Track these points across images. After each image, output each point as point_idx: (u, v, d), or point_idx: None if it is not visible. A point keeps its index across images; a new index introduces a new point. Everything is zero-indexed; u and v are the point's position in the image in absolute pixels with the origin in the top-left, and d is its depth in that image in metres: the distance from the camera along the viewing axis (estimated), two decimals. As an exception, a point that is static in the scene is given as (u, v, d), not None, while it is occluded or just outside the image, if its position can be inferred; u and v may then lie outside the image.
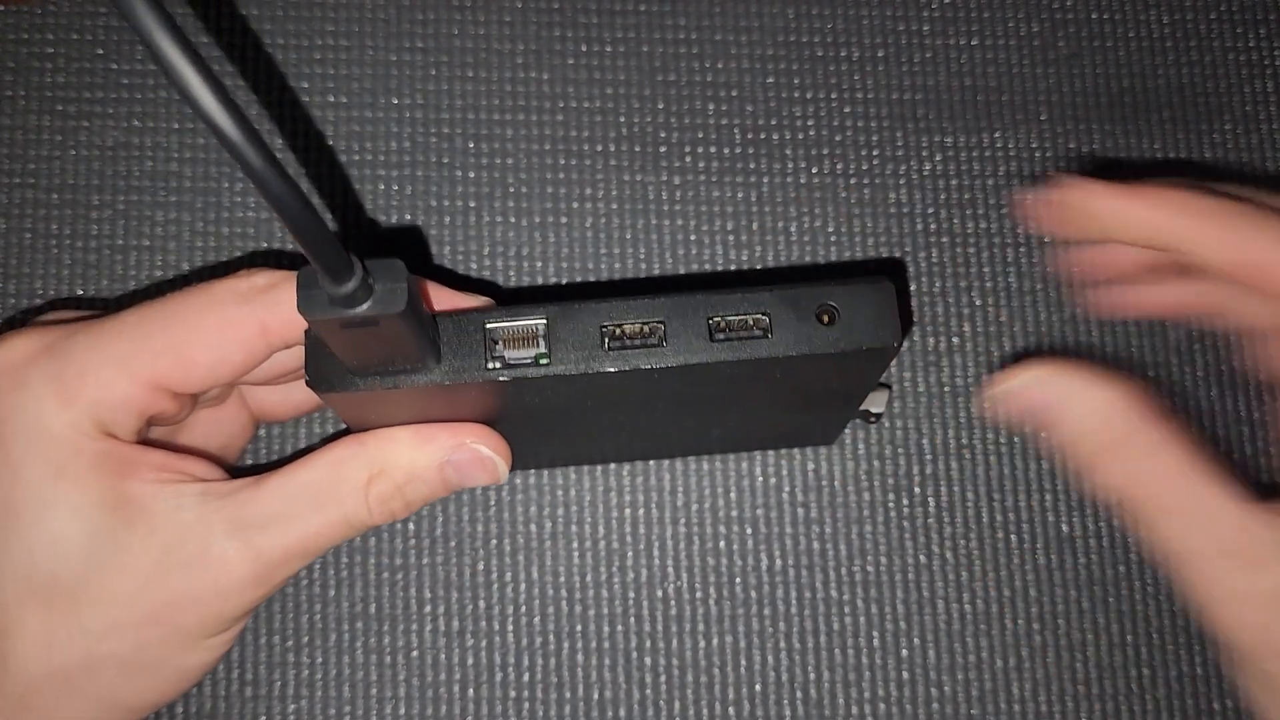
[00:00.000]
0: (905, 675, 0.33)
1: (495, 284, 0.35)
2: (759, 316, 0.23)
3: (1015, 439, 0.34)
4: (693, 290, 0.23)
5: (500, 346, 0.23)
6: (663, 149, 0.36)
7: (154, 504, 0.24)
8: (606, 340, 0.23)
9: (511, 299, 0.35)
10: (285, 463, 0.25)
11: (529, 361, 0.23)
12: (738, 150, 0.36)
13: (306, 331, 0.23)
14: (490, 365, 0.23)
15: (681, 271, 0.35)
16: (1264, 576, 0.22)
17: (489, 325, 0.23)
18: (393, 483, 0.25)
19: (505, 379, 0.23)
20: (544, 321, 0.23)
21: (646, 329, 0.23)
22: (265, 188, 0.17)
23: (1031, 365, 0.24)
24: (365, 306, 0.20)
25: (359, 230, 0.35)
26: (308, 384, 0.23)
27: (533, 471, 0.34)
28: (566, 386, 0.24)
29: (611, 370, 0.23)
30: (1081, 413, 0.24)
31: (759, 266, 0.35)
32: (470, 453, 0.26)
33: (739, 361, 0.23)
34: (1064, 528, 0.34)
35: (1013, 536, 0.34)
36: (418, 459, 0.25)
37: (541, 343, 0.23)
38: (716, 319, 0.23)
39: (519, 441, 0.30)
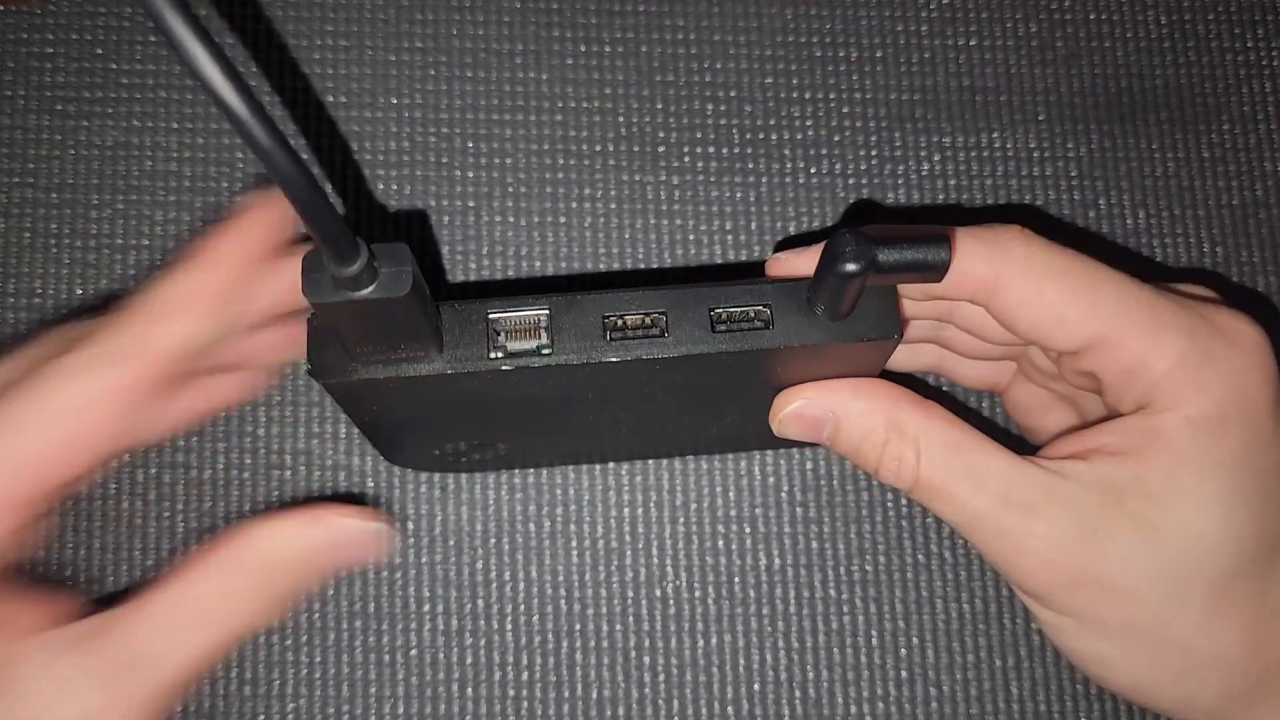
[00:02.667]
0: (904, 674, 0.33)
1: (494, 283, 0.35)
2: (760, 308, 0.23)
3: (1015, 437, 0.34)
4: (695, 282, 0.23)
5: (503, 336, 0.23)
6: (661, 149, 0.36)
7: (19, 667, 0.22)
8: (608, 331, 0.23)
9: (512, 289, 0.35)
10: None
11: (531, 351, 0.23)
12: (736, 150, 0.36)
13: (309, 320, 0.23)
14: (493, 354, 0.23)
15: (680, 271, 0.35)
16: (1041, 518, 0.24)
17: (491, 315, 0.23)
18: (275, 579, 0.23)
19: (508, 368, 0.23)
20: (546, 311, 0.23)
21: (648, 320, 0.23)
22: (273, 165, 0.17)
23: (800, 389, 0.26)
24: (370, 290, 0.20)
25: (359, 231, 0.35)
26: (309, 374, 0.23)
27: (531, 470, 0.34)
28: (568, 377, 0.24)
29: (613, 360, 0.23)
30: (849, 423, 0.26)
31: (758, 267, 0.35)
32: (349, 532, 0.24)
33: (740, 353, 0.23)
34: (1062, 527, 0.34)
35: (1011, 536, 0.34)
36: (299, 543, 0.24)
37: (544, 333, 0.23)
38: (718, 310, 0.23)
39: (519, 437, 0.30)
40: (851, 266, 0.21)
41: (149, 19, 0.15)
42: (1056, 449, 0.26)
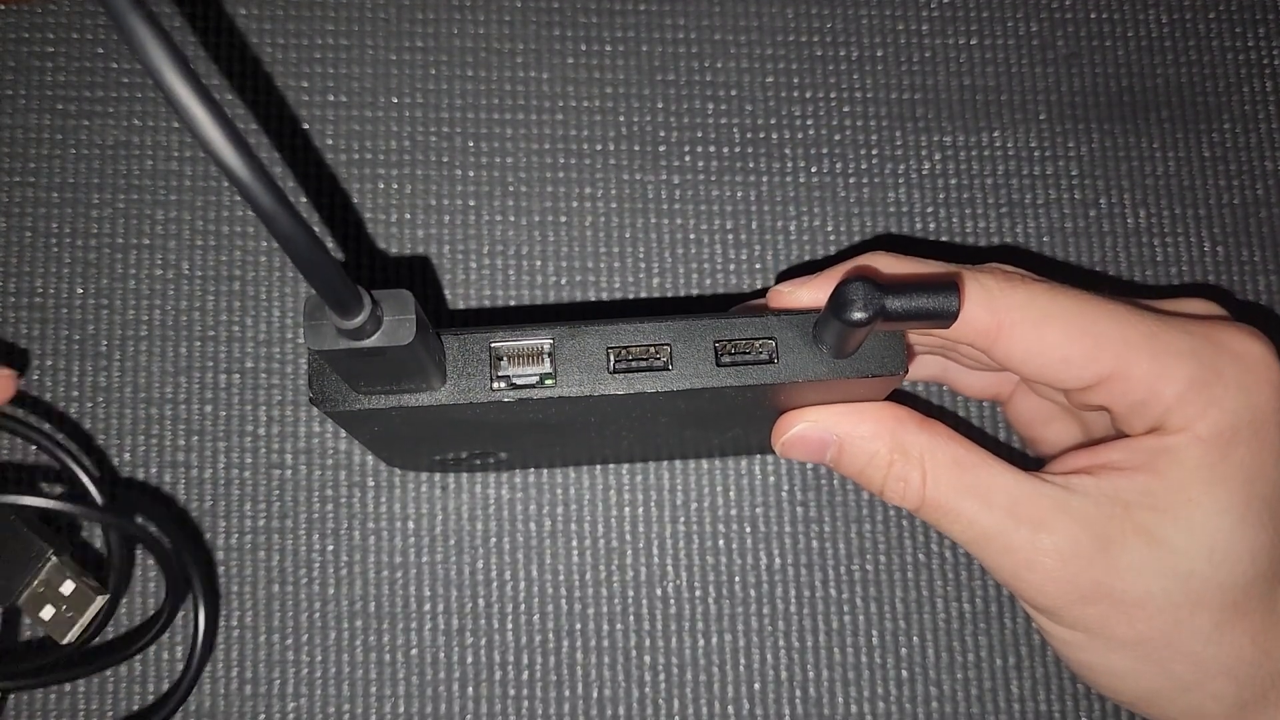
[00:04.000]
0: (904, 674, 0.33)
1: (495, 282, 0.35)
2: (766, 341, 0.23)
3: (1014, 439, 0.34)
4: (700, 312, 0.23)
5: (506, 365, 0.23)
6: (662, 148, 0.36)
7: None
8: (612, 361, 0.23)
9: (518, 302, 0.35)
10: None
11: (534, 382, 0.23)
12: (737, 150, 0.36)
13: (310, 350, 0.23)
14: (495, 385, 0.23)
15: (680, 271, 0.35)
16: (1050, 533, 0.24)
17: (494, 345, 0.23)
18: None
19: (510, 399, 0.23)
20: (550, 342, 0.23)
21: (653, 351, 0.23)
22: (275, 226, 0.17)
23: (802, 413, 0.26)
24: (373, 339, 0.20)
25: (359, 231, 0.35)
26: (311, 402, 0.23)
27: (532, 470, 0.34)
28: (571, 405, 0.24)
29: (617, 393, 0.23)
30: (852, 446, 0.26)
31: (759, 266, 0.35)
32: None
33: (744, 386, 0.23)
34: (1063, 526, 0.34)
35: (1012, 535, 0.34)
36: None
37: (547, 362, 0.23)
38: (722, 343, 0.23)
39: (520, 446, 0.30)
40: (860, 315, 0.21)
41: (150, 78, 0.15)
42: (1063, 464, 0.26)
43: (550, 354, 0.23)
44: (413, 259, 0.35)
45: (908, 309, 0.21)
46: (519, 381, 0.23)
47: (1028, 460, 0.34)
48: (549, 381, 0.23)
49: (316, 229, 0.34)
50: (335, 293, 0.19)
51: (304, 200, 0.35)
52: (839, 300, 0.21)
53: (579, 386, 0.23)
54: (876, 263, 0.26)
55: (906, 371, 0.23)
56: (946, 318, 0.21)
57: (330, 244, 0.35)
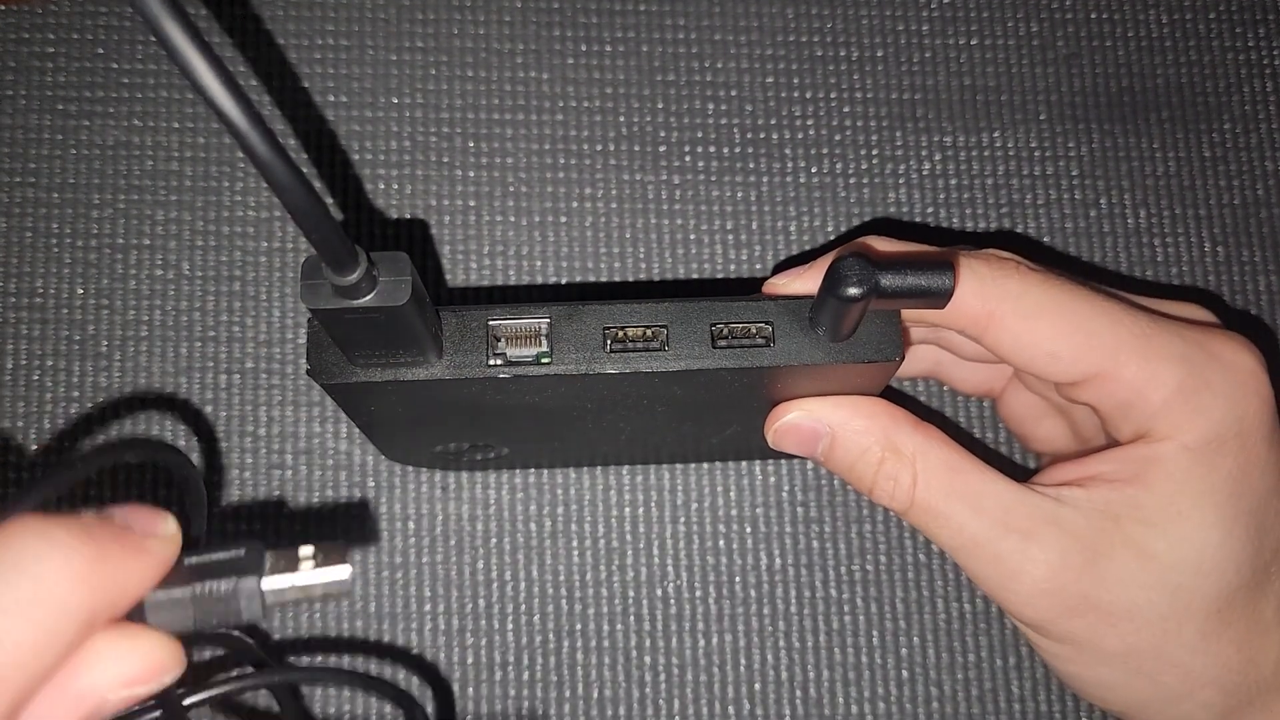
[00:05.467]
0: (905, 674, 0.33)
1: (496, 283, 0.35)
2: (762, 325, 0.23)
3: (1006, 449, 0.34)
4: (697, 296, 0.23)
5: (503, 343, 0.23)
6: (662, 149, 0.36)
7: None
8: (609, 342, 0.23)
9: (516, 294, 0.35)
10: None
11: (530, 360, 0.23)
12: (737, 150, 0.36)
13: (309, 322, 0.23)
14: (492, 362, 0.23)
15: (681, 271, 0.35)
16: (1039, 544, 0.24)
17: (492, 322, 0.23)
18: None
19: (506, 376, 0.23)
20: (547, 320, 0.23)
21: (649, 333, 0.23)
22: (271, 176, 0.17)
23: (797, 402, 0.26)
24: (369, 298, 0.20)
25: (359, 230, 0.35)
26: (309, 374, 0.23)
27: (532, 470, 0.34)
28: (567, 386, 0.24)
29: (612, 372, 0.23)
30: (844, 439, 0.25)
31: (759, 266, 0.35)
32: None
33: (739, 369, 0.23)
34: (1063, 527, 0.34)
35: (1012, 535, 0.34)
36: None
37: (544, 341, 0.23)
38: (719, 325, 0.23)
39: (520, 442, 0.30)
40: (854, 291, 0.21)
41: (147, 28, 0.15)
42: (1052, 476, 0.26)
43: (547, 333, 0.23)
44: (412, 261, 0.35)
45: (902, 286, 0.21)
46: (515, 359, 0.23)
47: (1019, 473, 0.34)
48: (545, 360, 0.23)
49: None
50: (331, 246, 0.19)
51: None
52: (834, 276, 0.21)
53: (575, 365, 0.23)
54: (871, 244, 0.26)
55: (903, 358, 0.23)
56: (941, 296, 0.21)
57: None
